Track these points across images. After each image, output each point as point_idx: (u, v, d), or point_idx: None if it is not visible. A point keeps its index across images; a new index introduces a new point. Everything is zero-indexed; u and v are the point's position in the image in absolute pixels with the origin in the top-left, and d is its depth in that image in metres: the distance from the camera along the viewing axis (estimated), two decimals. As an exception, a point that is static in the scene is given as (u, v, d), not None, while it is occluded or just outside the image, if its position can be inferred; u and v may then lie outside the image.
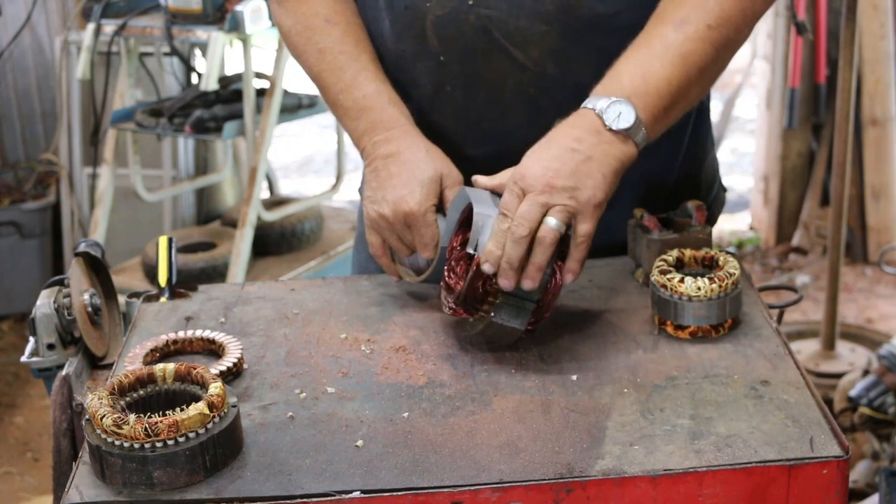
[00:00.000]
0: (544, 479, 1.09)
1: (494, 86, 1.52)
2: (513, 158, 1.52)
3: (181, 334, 1.38)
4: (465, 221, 1.39)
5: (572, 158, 1.31)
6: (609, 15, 1.47)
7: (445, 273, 1.37)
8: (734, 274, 1.36)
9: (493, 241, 1.29)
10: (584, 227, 1.30)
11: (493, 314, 1.30)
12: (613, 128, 1.33)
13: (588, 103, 1.36)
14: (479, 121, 1.55)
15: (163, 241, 1.56)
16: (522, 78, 1.51)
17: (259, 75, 3.62)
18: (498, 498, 1.08)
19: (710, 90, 1.58)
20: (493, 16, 1.47)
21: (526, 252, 1.28)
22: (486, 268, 1.29)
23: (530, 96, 1.52)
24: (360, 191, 1.88)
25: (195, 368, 1.19)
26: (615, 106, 1.33)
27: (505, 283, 1.28)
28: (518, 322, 1.31)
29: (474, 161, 1.52)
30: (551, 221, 1.28)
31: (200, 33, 3.45)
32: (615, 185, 1.34)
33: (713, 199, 1.74)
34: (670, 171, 1.66)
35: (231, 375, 1.30)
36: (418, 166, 1.44)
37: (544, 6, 1.46)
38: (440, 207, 1.45)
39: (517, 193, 1.30)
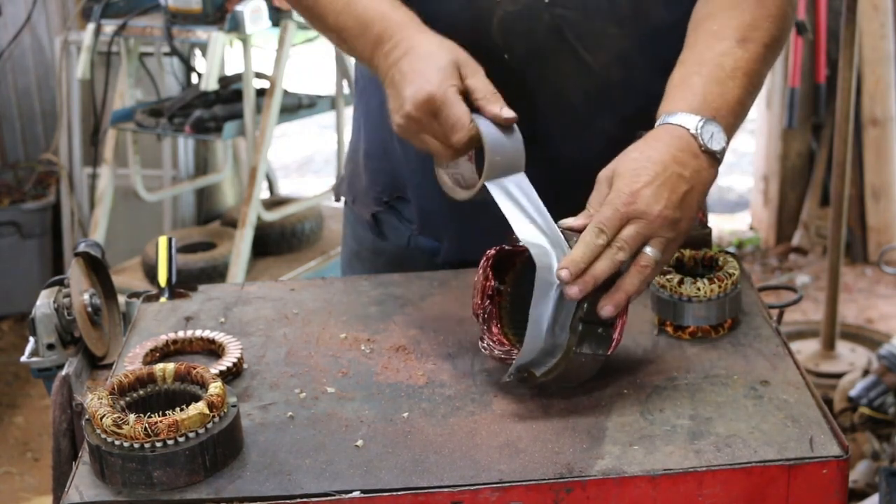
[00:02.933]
0: (544, 479, 1.09)
1: (557, 87, 1.49)
2: (563, 162, 1.49)
3: (181, 334, 1.38)
4: (498, 263, 1.31)
5: (679, 187, 1.24)
6: (677, 23, 1.44)
7: (484, 331, 1.30)
8: (734, 274, 1.36)
9: (582, 251, 1.19)
10: (668, 256, 1.26)
11: (575, 347, 1.19)
12: (709, 148, 1.27)
13: (678, 119, 1.29)
14: (536, 121, 1.50)
15: (163, 241, 1.56)
16: (586, 81, 1.48)
17: (259, 75, 3.63)
18: (498, 498, 1.08)
19: None
20: (569, 16, 1.45)
21: (612, 274, 1.20)
22: (564, 274, 1.18)
23: (591, 99, 1.49)
24: (335, 189, 1.85)
25: (195, 368, 1.19)
26: (708, 126, 1.28)
27: (575, 291, 1.17)
28: (602, 349, 1.21)
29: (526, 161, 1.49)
30: (652, 252, 1.22)
31: (200, 33, 3.45)
32: None
33: None
34: None
35: (231, 375, 1.30)
36: (431, 57, 1.33)
37: (620, 9, 1.45)
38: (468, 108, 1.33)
39: (622, 214, 1.21)
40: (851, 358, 3.61)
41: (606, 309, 1.19)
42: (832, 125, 4.27)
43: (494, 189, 1.29)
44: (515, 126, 1.33)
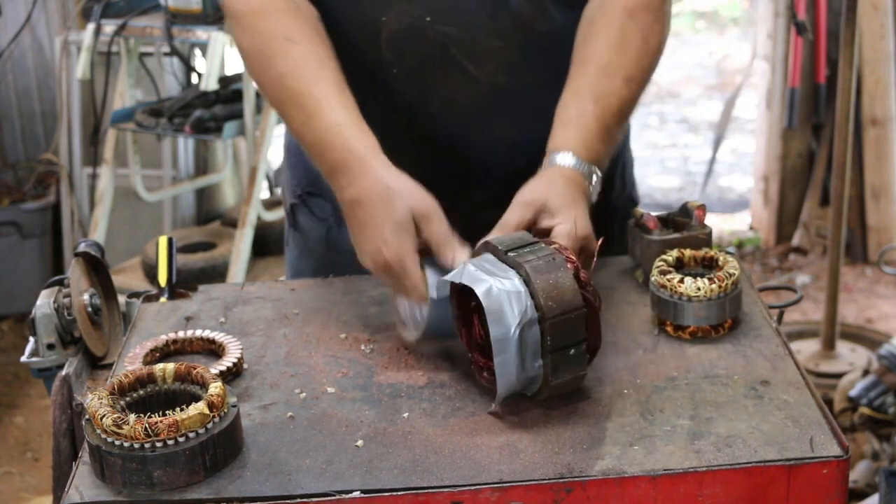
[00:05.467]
0: (544, 479, 1.09)
1: (447, 99, 1.53)
2: (465, 169, 1.55)
3: (181, 334, 1.38)
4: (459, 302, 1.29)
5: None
6: (563, 28, 1.50)
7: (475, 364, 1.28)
8: (734, 274, 1.35)
9: None
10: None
11: (551, 378, 1.18)
12: (591, 187, 1.41)
13: (572, 163, 1.39)
14: (432, 134, 1.56)
15: (163, 241, 1.56)
16: (475, 91, 1.53)
17: (259, 75, 3.62)
18: (498, 498, 1.08)
19: None
20: (451, 32, 1.49)
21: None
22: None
23: (481, 107, 1.54)
24: (275, 178, 1.89)
25: (195, 368, 1.19)
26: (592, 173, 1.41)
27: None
28: (580, 368, 1.21)
29: (430, 174, 1.50)
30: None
31: (200, 33, 3.45)
32: None
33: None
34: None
35: (231, 375, 1.30)
36: (384, 208, 1.33)
37: (501, 23, 1.49)
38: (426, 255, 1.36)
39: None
40: (851, 358, 3.61)
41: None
42: (832, 125, 4.26)
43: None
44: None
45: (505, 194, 1.36)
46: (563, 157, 1.39)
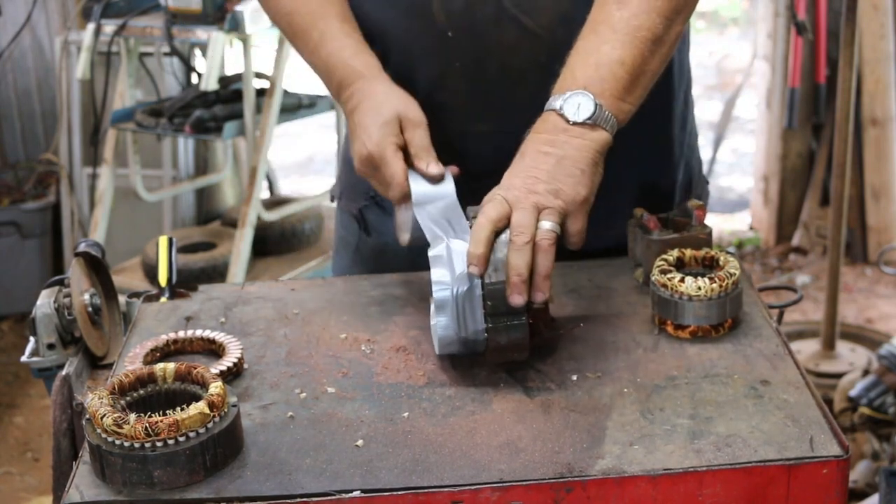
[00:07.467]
0: (544, 479, 1.09)
1: (505, 56, 1.51)
2: (519, 134, 1.48)
3: (181, 334, 1.38)
4: None
5: (546, 162, 1.31)
6: None
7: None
8: (734, 274, 1.36)
9: (474, 244, 1.26)
10: (575, 225, 1.31)
11: (494, 341, 1.26)
12: (576, 120, 1.33)
13: (547, 106, 1.36)
14: (488, 94, 1.53)
15: (163, 241, 1.56)
16: (533, 46, 1.50)
17: (259, 75, 3.63)
18: (498, 497, 1.08)
19: (680, 64, 1.64)
20: None
21: (531, 260, 1.25)
22: (473, 269, 1.25)
23: (541, 64, 1.50)
24: (332, 191, 1.88)
25: (195, 368, 1.19)
26: (572, 99, 1.34)
27: (517, 298, 1.23)
28: (521, 333, 1.26)
29: (482, 136, 1.51)
30: (546, 224, 1.27)
31: (200, 33, 3.45)
32: (597, 175, 1.34)
33: (703, 193, 1.77)
34: (668, 169, 1.66)
35: (231, 375, 1.30)
36: (375, 111, 1.44)
37: None
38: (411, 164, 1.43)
39: (506, 206, 1.29)
40: (851, 358, 3.61)
41: (536, 295, 1.25)
42: (832, 125, 4.27)
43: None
44: (450, 183, 1.42)
45: None
46: (571, 111, 1.34)
